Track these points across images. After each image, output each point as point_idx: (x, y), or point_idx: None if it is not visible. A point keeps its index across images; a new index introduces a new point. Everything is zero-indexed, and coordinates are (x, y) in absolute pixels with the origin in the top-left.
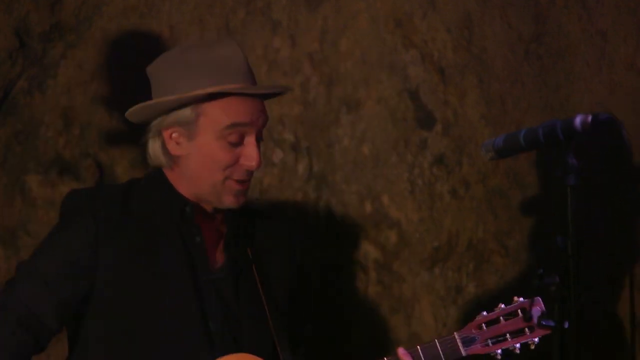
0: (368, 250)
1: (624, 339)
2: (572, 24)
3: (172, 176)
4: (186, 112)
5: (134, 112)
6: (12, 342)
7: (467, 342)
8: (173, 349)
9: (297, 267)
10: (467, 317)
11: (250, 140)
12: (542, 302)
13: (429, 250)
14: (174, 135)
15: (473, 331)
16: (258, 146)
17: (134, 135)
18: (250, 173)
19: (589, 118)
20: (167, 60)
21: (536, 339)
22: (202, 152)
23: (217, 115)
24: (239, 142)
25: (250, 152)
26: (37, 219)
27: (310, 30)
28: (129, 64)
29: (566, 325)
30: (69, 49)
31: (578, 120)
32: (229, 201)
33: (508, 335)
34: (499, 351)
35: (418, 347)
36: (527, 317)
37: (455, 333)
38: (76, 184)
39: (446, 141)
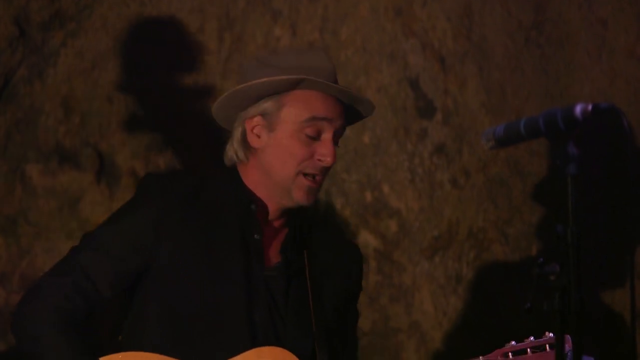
0: (368, 239)
1: (624, 327)
2: (572, 12)
3: (245, 172)
4: (270, 103)
5: (221, 104)
6: (67, 305)
7: None
8: (216, 335)
9: (352, 288)
10: (467, 305)
11: (327, 137)
12: (570, 340)
13: (429, 239)
14: (255, 127)
15: (499, 358)
16: (334, 144)
17: (135, 125)
18: (323, 169)
19: (590, 107)
20: (260, 60)
21: None
22: (279, 144)
23: (299, 107)
24: (316, 137)
25: (326, 148)
26: (38, 208)
27: (310, 18)
28: (130, 52)
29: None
30: (69, 38)
31: (579, 109)
32: (299, 197)
33: None
34: None
35: None
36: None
37: (481, 357)
38: (77, 173)
39: (446, 130)
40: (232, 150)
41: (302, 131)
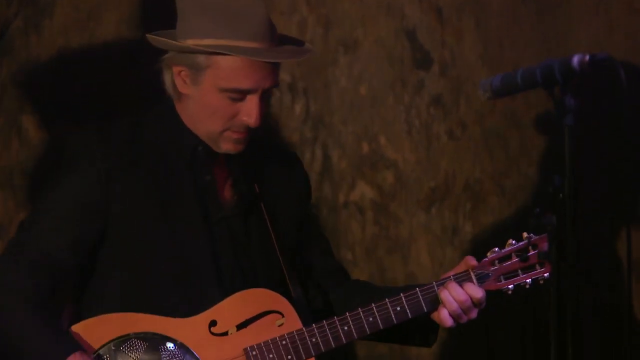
0: (365, 191)
1: (620, 278)
2: None
3: (181, 112)
4: (198, 59)
5: (152, 39)
6: (28, 285)
7: (481, 278)
8: (183, 284)
9: (305, 197)
10: (463, 256)
11: (252, 98)
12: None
13: (426, 191)
14: (182, 73)
15: (487, 268)
16: (261, 104)
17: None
18: (249, 128)
19: (587, 58)
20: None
21: (546, 274)
22: (203, 100)
23: (224, 74)
24: (241, 99)
25: (250, 109)
26: (34, 160)
27: None
28: (126, 4)
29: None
30: None
31: (576, 59)
32: (227, 148)
33: (520, 271)
34: (511, 286)
35: (434, 282)
36: (542, 255)
37: (470, 270)
38: (72, 127)
39: (443, 82)
40: (165, 82)
41: (225, 93)
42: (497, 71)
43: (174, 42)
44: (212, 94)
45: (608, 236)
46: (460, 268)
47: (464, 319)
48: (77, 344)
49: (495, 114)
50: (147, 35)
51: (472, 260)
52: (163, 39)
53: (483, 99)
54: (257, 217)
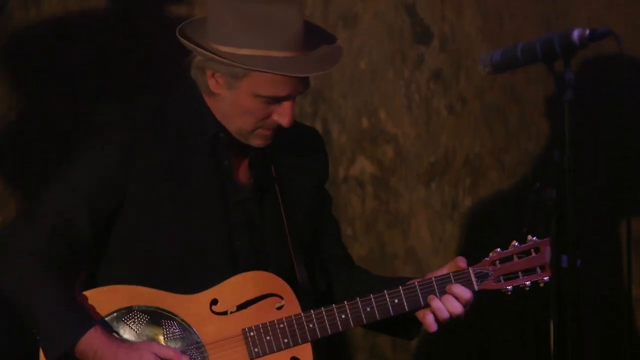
0: (365, 166)
1: (620, 254)
2: None
3: (211, 105)
4: (235, 69)
5: (185, 44)
6: (45, 248)
7: (481, 277)
8: (197, 266)
9: (322, 177)
10: (463, 231)
11: (286, 103)
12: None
13: (426, 166)
14: (216, 75)
15: (487, 267)
16: (293, 106)
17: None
18: (280, 127)
19: (587, 32)
20: (225, 2)
21: (546, 278)
22: (237, 102)
23: (261, 83)
24: (276, 102)
25: (284, 112)
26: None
27: None
28: None
29: (564, 261)
30: None
31: (576, 34)
32: (256, 143)
33: (520, 273)
34: (510, 287)
35: (432, 278)
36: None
37: (470, 268)
38: (71, 99)
39: (443, 56)
40: (195, 76)
41: (261, 99)
42: (497, 45)
43: (210, 52)
44: (248, 98)
45: (608, 211)
46: (450, 268)
47: (450, 322)
48: (93, 319)
49: (495, 88)
50: (178, 37)
51: (462, 262)
52: (198, 48)
53: (483, 73)
54: (272, 199)
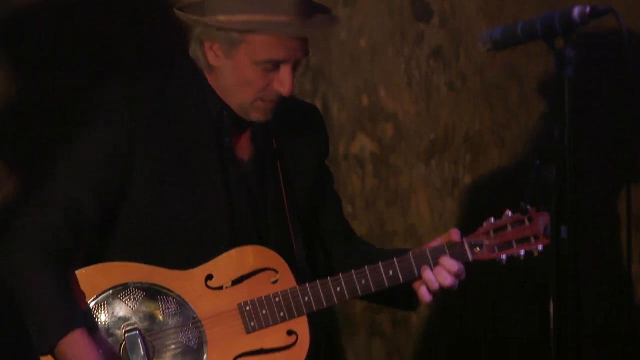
0: (364, 143)
1: (620, 231)
2: None
3: (209, 79)
4: (232, 35)
5: (181, 16)
6: (57, 242)
7: (475, 247)
8: (199, 243)
9: (323, 152)
10: (463, 208)
11: (285, 68)
12: (547, 215)
13: (426, 143)
14: (214, 46)
15: (481, 237)
16: (293, 73)
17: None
18: (280, 97)
19: (587, 9)
20: None
21: (540, 247)
22: (236, 72)
23: (258, 47)
24: (274, 69)
25: (283, 79)
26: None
27: None
28: None
29: (563, 232)
30: None
31: (576, 11)
32: (256, 117)
33: (514, 242)
34: (504, 257)
35: (427, 249)
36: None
37: (464, 239)
38: (72, 79)
39: (443, 34)
40: (194, 55)
41: (259, 65)
42: (497, 23)
43: (206, 20)
44: (246, 66)
45: (608, 188)
46: (444, 240)
47: (442, 292)
48: (81, 319)
49: (495, 65)
50: (175, 12)
51: (455, 234)
52: (194, 17)
53: (483, 50)
54: (273, 173)
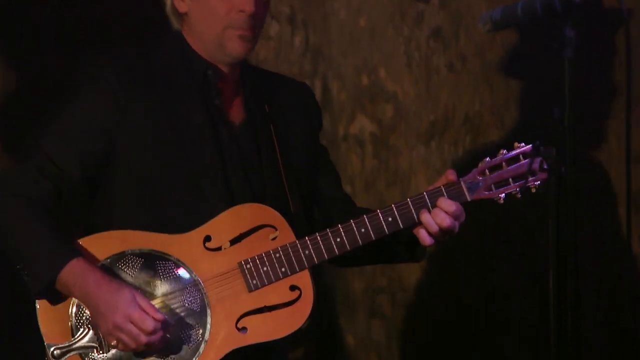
0: (364, 124)
1: (619, 211)
2: None
3: (188, 36)
4: None
5: None
6: (33, 189)
7: (472, 187)
8: (194, 206)
9: (316, 126)
10: None
11: None
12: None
13: (426, 124)
14: None
15: (477, 177)
16: None
17: None
18: (249, 21)
19: None
20: None
21: (537, 182)
22: (200, 7)
23: None
24: None
25: None
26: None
27: None
28: None
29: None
30: None
31: None
32: (232, 48)
33: (511, 180)
34: (502, 195)
35: (424, 193)
36: (531, 166)
37: (460, 179)
38: (71, 58)
39: (443, 14)
40: (169, 13)
41: None
42: (497, 3)
43: None
44: None
45: (607, 169)
46: (441, 182)
47: (445, 238)
48: (77, 250)
49: (495, 46)
50: None
51: (452, 175)
52: None
53: (483, 31)
54: (266, 135)
